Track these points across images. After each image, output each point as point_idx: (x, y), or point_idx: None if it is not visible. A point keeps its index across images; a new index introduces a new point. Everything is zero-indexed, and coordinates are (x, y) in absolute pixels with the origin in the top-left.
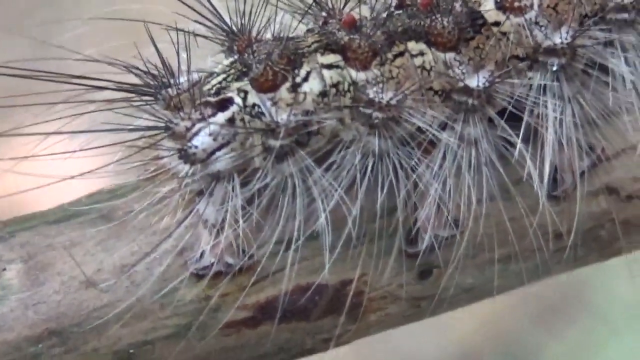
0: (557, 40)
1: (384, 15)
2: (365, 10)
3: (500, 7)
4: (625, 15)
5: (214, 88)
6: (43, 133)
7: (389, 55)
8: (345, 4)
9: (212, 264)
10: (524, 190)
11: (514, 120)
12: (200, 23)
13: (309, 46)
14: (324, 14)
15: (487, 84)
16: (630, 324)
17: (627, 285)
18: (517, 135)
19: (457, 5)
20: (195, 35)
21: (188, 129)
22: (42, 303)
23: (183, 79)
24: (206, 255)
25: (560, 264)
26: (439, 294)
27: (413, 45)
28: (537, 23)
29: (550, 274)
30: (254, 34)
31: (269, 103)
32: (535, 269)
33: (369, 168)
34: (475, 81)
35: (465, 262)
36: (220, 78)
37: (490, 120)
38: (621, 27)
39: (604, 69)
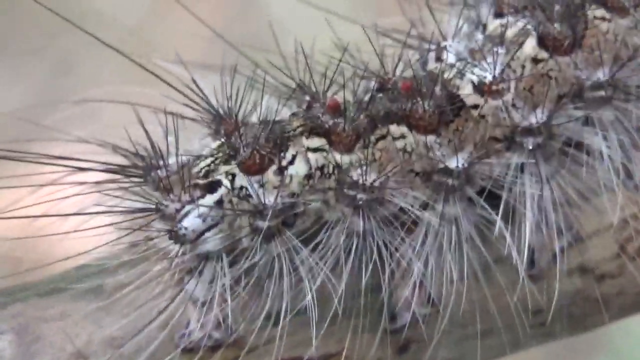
0: (533, 120)
1: (366, 99)
2: (347, 94)
3: (478, 90)
4: (602, 93)
5: (203, 170)
6: (35, 216)
7: (372, 139)
8: (328, 87)
9: (200, 340)
10: (501, 268)
11: (494, 198)
12: (188, 106)
13: (294, 130)
14: (307, 97)
15: (466, 165)
16: None
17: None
18: (497, 214)
19: (437, 89)
20: (184, 118)
21: (178, 211)
22: None
23: (172, 161)
24: (194, 330)
25: (535, 338)
26: None
27: (395, 129)
28: (514, 105)
29: (525, 348)
30: (240, 117)
31: (256, 185)
32: (511, 344)
33: (354, 247)
34: (455, 162)
35: (442, 337)
36: (208, 161)
37: (471, 199)
38: (599, 104)
39: (585, 149)
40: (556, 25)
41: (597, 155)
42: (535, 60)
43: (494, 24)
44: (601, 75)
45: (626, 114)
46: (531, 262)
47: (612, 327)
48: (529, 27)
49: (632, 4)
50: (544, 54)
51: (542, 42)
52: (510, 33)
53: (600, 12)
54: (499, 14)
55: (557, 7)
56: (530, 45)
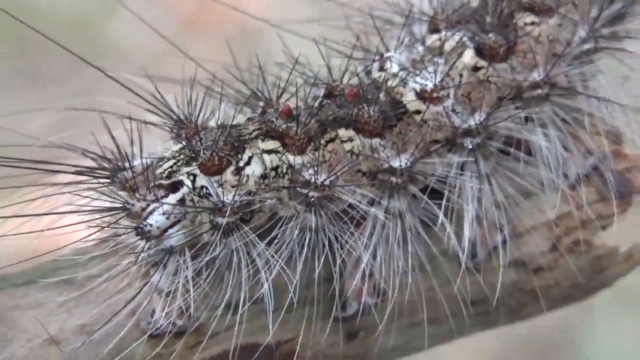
0: (472, 123)
1: (316, 104)
2: (299, 101)
3: (420, 97)
4: (539, 91)
5: (166, 172)
6: (10, 216)
7: (322, 141)
8: (281, 94)
9: (164, 326)
10: (446, 259)
11: (438, 194)
12: (151, 112)
13: (250, 133)
14: (261, 103)
15: (408, 165)
16: None
17: (610, 329)
18: (441, 209)
19: (382, 96)
20: (147, 123)
21: (143, 209)
22: (11, 358)
23: (137, 163)
24: (159, 318)
25: (476, 326)
26: (364, 353)
27: (343, 132)
28: (454, 110)
29: (465, 336)
30: (199, 122)
31: (215, 185)
32: (452, 331)
33: (307, 241)
34: (398, 162)
35: (390, 324)
36: (171, 162)
37: (415, 195)
38: (538, 102)
39: (526, 148)
40: (490, 35)
41: (538, 153)
42: (475, 69)
43: (431, 39)
44: (536, 75)
45: (565, 108)
46: (473, 255)
47: (582, 335)
48: (465, 39)
49: (556, 4)
50: (482, 62)
51: (479, 51)
52: (448, 45)
53: (530, 18)
54: (435, 30)
55: (488, 19)
56: (469, 56)
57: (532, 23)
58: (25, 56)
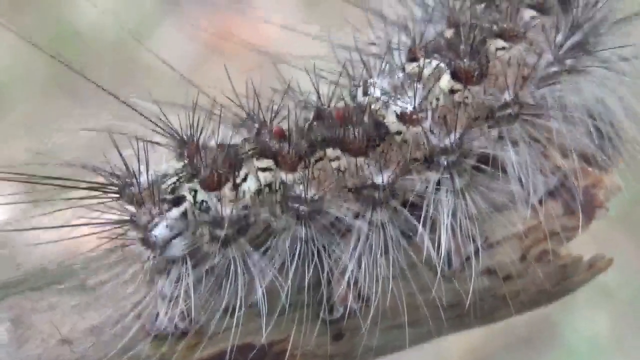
0: (447, 142)
1: (306, 126)
2: (290, 123)
3: (401, 119)
4: (509, 111)
5: (169, 187)
6: (31, 229)
7: (312, 160)
8: (274, 117)
9: (167, 328)
10: (425, 267)
11: (417, 207)
12: (157, 132)
13: (247, 152)
14: (256, 125)
15: (390, 181)
16: (593, 356)
17: (589, 322)
18: (420, 221)
19: (365, 118)
20: (153, 143)
21: (149, 222)
22: (26, 356)
23: (143, 179)
24: (163, 321)
25: (453, 327)
26: (350, 352)
27: (330, 152)
28: (431, 131)
29: (442, 336)
30: (200, 142)
31: (214, 200)
32: (430, 332)
33: (297, 251)
34: (381, 179)
35: (372, 326)
36: (174, 179)
37: (396, 209)
38: (508, 121)
39: (500, 165)
40: (465, 60)
41: (509, 170)
42: (452, 91)
43: (411, 66)
44: (507, 96)
45: (534, 126)
46: (448, 264)
47: (563, 325)
48: (441, 65)
49: (524, 30)
50: (458, 86)
51: (455, 76)
52: (426, 72)
53: (500, 43)
54: (413, 59)
55: (462, 47)
56: (446, 80)
57: (503, 48)
58: (68, 76)
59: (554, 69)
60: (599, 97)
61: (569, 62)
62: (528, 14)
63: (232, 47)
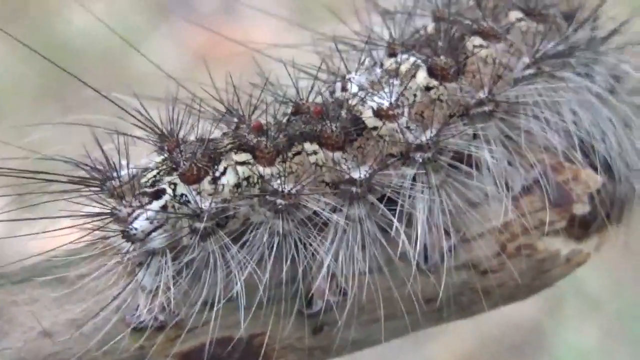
0: (424, 139)
1: (285, 120)
2: (269, 117)
3: (377, 115)
4: (485, 108)
5: (150, 181)
6: (13, 220)
7: (289, 154)
8: (253, 111)
9: (147, 321)
10: (403, 262)
11: (394, 203)
12: (137, 127)
13: (225, 147)
14: (235, 120)
15: (367, 176)
16: None
17: (578, 333)
18: (395, 215)
19: (343, 113)
20: (133, 137)
21: (129, 215)
22: (8, 349)
23: (124, 173)
24: (143, 313)
25: (430, 321)
26: (329, 346)
27: (308, 146)
28: (407, 127)
29: (420, 329)
30: (180, 136)
31: (194, 193)
32: (407, 326)
33: (275, 244)
34: (358, 174)
35: (351, 320)
36: (154, 172)
37: (373, 204)
38: (483, 119)
39: (474, 161)
40: (442, 57)
41: (484, 167)
42: (428, 88)
43: (389, 61)
44: (482, 94)
45: (509, 125)
46: (426, 258)
47: (552, 335)
48: (419, 61)
49: (505, 31)
50: (434, 82)
51: (431, 72)
52: (403, 68)
53: (478, 40)
54: (392, 54)
55: (440, 44)
56: (422, 76)
57: (480, 46)
58: (58, 86)
59: (530, 71)
60: (573, 107)
61: (546, 68)
62: (515, 15)
63: (221, 54)
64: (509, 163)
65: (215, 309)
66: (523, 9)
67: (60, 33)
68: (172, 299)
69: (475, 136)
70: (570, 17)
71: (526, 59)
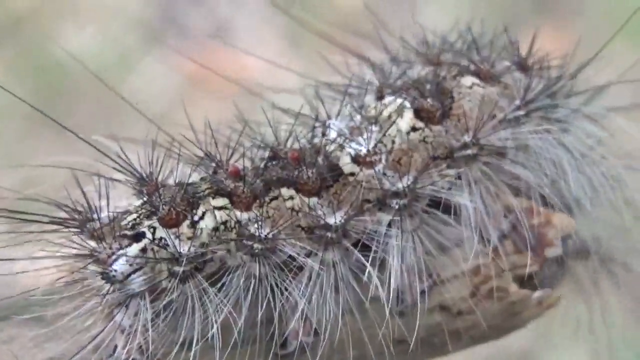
0: (400, 186)
1: (262, 166)
2: (246, 162)
3: (355, 161)
4: (469, 151)
5: (129, 223)
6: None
7: (266, 199)
8: (231, 156)
9: None
10: (376, 305)
11: (368, 248)
12: (117, 170)
13: (204, 191)
14: (213, 164)
15: (342, 222)
16: None
17: (571, 358)
18: (369, 261)
19: (320, 159)
20: (113, 180)
21: (109, 256)
22: None
23: (104, 215)
24: (121, 354)
25: None
26: None
27: (285, 191)
28: (384, 173)
29: None
30: (159, 180)
31: (173, 237)
32: None
33: (251, 287)
34: (333, 219)
35: None
36: (134, 215)
37: (347, 248)
38: (467, 162)
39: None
40: (429, 99)
41: (463, 213)
42: (414, 129)
43: (374, 105)
44: (467, 137)
45: (493, 169)
46: (401, 300)
47: (543, 359)
48: (405, 103)
49: (499, 75)
50: (420, 124)
51: (417, 114)
52: (389, 110)
53: (470, 80)
54: (380, 97)
55: (428, 86)
56: (408, 117)
57: (477, 84)
58: (53, 106)
59: (521, 112)
60: (554, 156)
61: (534, 115)
62: (506, 64)
63: (213, 80)
64: (487, 209)
65: (193, 349)
66: (513, 61)
67: (52, 55)
68: (150, 340)
69: (457, 179)
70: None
71: (517, 102)
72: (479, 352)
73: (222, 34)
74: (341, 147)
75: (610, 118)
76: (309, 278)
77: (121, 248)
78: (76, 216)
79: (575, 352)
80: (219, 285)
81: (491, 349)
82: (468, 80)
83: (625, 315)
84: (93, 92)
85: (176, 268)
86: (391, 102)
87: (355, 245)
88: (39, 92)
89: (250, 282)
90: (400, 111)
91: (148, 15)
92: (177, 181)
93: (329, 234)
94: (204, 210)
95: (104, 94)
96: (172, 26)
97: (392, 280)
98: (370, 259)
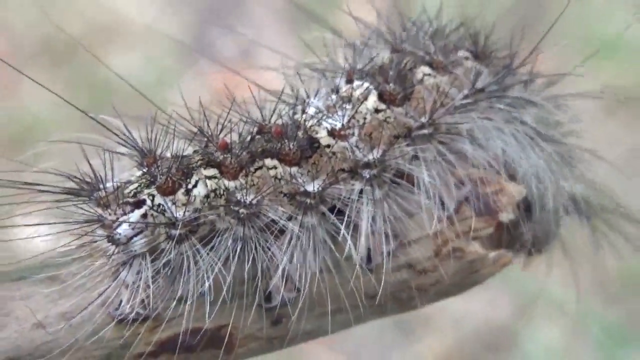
0: (371, 157)
1: (248, 139)
2: (235, 136)
3: (330, 134)
4: (425, 131)
5: (131, 192)
6: (12, 226)
7: (252, 169)
8: (220, 131)
9: (130, 314)
10: (350, 263)
11: (342, 213)
12: (121, 144)
13: (196, 162)
14: (205, 139)
15: (320, 189)
16: None
17: (545, 333)
18: (343, 224)
19: (300, 134)
20: (117, 153)
21: (114, 222)
22: (5, 339)
23: (109, 185)
24: (126, 308)
25: (373, 314)
26: (286, 335)
27: (269, 162)
28: (357, 146)
29: (365, 322)
30: (158, 153)
31: (169, 203)
32: (355, 318)
33: (239, 248)
34: (312, 187)
35: (305, 313)
36: (135, 185)
37: (324, 213)
38: (422, 141)
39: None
40: (391, 84)
41: (421, 184)
42: (377, 111)
43: (345, 87)
44: (424, 119)
45: (448, 147)
46: (369, 260)
47: (522, 335)
48: (371, 87)
49: (450, 65)
50: (382, 106)
51: (381, 97)
52: (357, 93)
53: (427, 70)
54: (349, 80)
55: (390, 72)
56: (372, 100)
57: (429, 74)
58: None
59: (469, 100)
60: (501, 136)
61: (482, 103)
62: (463, 54)
63: (238, 94)
64: (444, 182)
65: (187, 303)
66: (470, 50)
67: (103, 74)
68: (151, 295)
69: (415, 157)
70: (509, 63)
71: (465, 91)
72: (467, 329)
73: (246, 57)
74: (319, 122)
75: (556, 104)
76: (290, 239)
77: (124, 214)
78: (85, 186)
79: (552, 327)
80: (210, 246)
81: (477, 322)
82: (423, 69)
83: (593, 291)
84: (136, 106)
85: (173, 231)
86: (359, 87)
87: (331, 210)
88: (90, 106)
89: (238, 243)
90: (366, 94)
91: (184, 40)
92: (173, 154)
93: (307, 200)
94: (196, 179)
95: (145, 108)
96: (204, 49)
97: (363, 241)
98: (344, 223)
